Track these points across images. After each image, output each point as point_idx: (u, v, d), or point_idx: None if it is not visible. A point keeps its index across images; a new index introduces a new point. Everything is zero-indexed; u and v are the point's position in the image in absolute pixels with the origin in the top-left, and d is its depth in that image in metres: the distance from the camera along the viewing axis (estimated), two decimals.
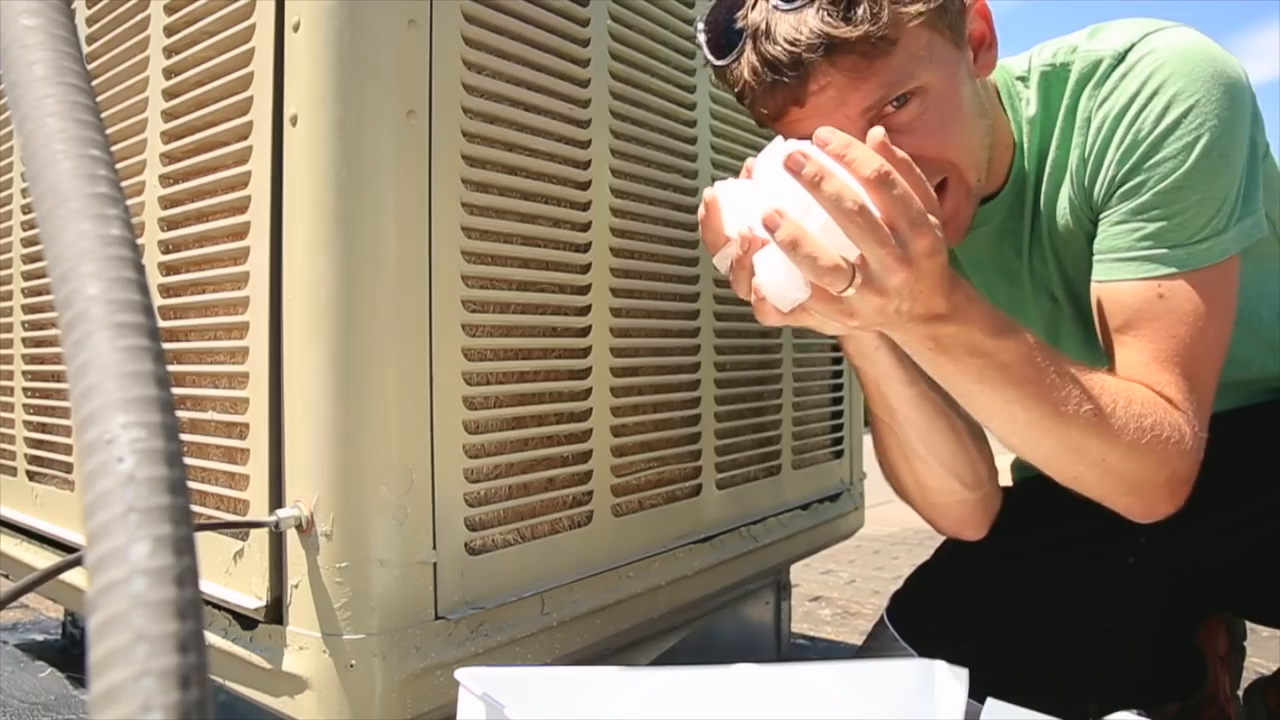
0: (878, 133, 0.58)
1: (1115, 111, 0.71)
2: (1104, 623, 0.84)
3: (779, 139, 0.63)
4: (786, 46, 0.62)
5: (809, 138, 0.59)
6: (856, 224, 0.56)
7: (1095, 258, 0.72)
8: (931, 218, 0.58)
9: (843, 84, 0.64)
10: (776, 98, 0.66)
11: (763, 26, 0.63)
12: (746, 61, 0.65)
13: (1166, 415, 0.66)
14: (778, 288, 0.61)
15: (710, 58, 0.70)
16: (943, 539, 0.99)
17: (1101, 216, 0.72)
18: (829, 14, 0.61)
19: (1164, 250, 0.68)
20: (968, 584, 0.88)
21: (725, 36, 0.68)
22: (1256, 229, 0.69)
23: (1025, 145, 0.78)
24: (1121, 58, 0.71)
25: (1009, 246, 0.82)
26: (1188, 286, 0.68)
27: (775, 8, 0.63)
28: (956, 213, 0.72)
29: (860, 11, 0.61)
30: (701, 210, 0.65)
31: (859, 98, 0.64)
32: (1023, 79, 0.78)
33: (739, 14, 0.66)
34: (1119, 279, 0.70)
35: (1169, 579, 0.84)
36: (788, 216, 0.57)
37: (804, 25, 0.61)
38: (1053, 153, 0.76)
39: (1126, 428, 0.65)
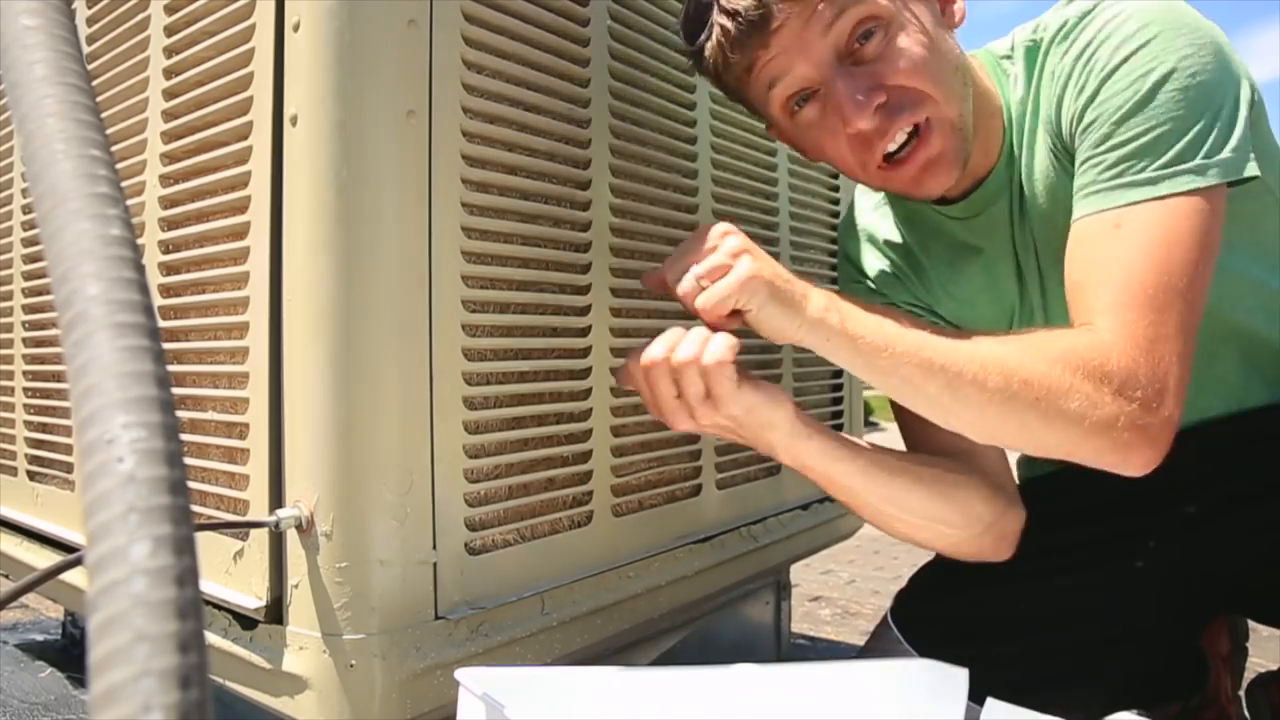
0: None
1: (1074, 55, 0.71)
2: (1110, 627, 0.83)
3: None
4: None
5: (776, 83, 0.71)
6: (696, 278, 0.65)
7: (1072, 202, 0.71)
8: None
9: (801, 14, 0.67)
10: (745, 47, 0.69)
11: None
12: (715, 25, 0.70)
13: (1078, 343, 0.64)
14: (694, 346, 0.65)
15: (686, 44, 0.75)
16: None
17: (1074, 166, 0.71)
18: None
19: (1125, 180, 0.66)
20: (972, 586, 0.88)
21: (695, 20, 0.73)
22: (1234, 168, 0.65)
23: (1014, 120, 0.77)
24: (1086, 14, 0.71)
25: (1009, 225, 0.81)
26: (1148, 215, 0.65)
27: None
28: (944, 147, 0.72)
29: None
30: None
31: (816, 21, 0.67)
32: (1007, 57, 0.78)
33: None
34: (1081, 215, 0.68)
35: (1178, 583, 0.84)
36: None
37: None
38: (1028, 119, 0.76)
39: (1032, 371, 0.63)
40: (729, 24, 0.69)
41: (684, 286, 0.66)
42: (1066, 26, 0.73)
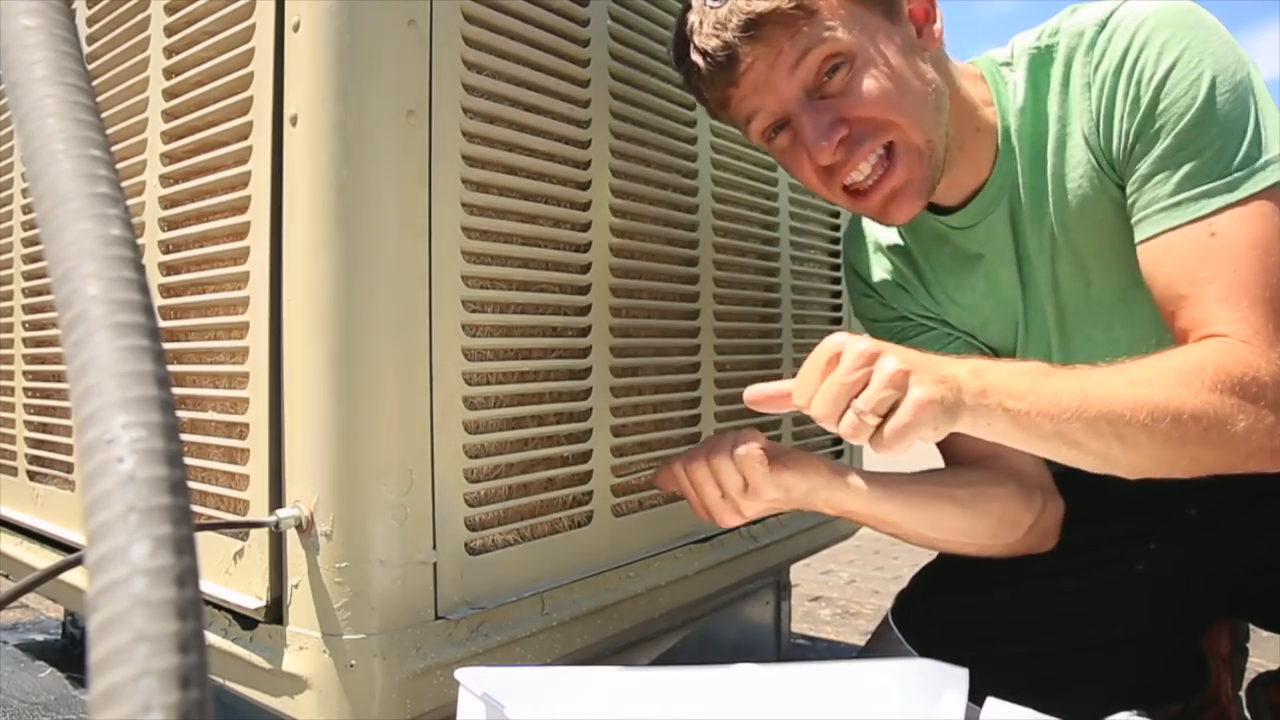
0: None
1: (1113, 68, 0.70)
2: (1112, 629, 0.83)
3: None
4: (713, 32, 0.69)
5: (752, 117, 0.73)
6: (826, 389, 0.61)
7: (1134, 220, 0.70)
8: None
9: (766, 56, 0.69)
10: (716, 85, 0.73)
11: (696, 24, 0.71)
12: (690, 60, 0.73)
13: (1224, 360, 0.62)
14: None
15: (677, 71, 0.78)
16: None
17: (1129, 179, 0.71)
18: None
19: (1205, 187, 0.66)
20: (973, 587, 0.88)
21: (678, 49, 0.76)
22: None
23: (1015, 129, 0.77)
24: (1104, 24, 0.72)
25: (1009, 233, 0.81)
26: (1240, 218, 0.65)
27: (707, 6, 0.70)
28: (910, 178, 0.72)
29: None
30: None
31: (781, 62, 0.69)
32: (1007, 64, 0.78)
33: (686, 23, 0.73)
34: (1165, 229, 0.68)
35: (1179, 585, 0.84)
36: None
37: (728, 12, 0.68)
38: (1054, 128, 0.75)
39: (1192, 388, 0.61)
40: (701, 62, 0.71)
41: (847, 423, 0.60)
42: (1088, 39, 0.72)
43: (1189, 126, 0.66)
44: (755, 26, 0.67)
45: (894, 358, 0.59)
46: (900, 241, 0.90)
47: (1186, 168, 0.67)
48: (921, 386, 0.58)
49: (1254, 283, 0.64)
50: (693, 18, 0.72)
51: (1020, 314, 0.84)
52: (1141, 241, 0.70)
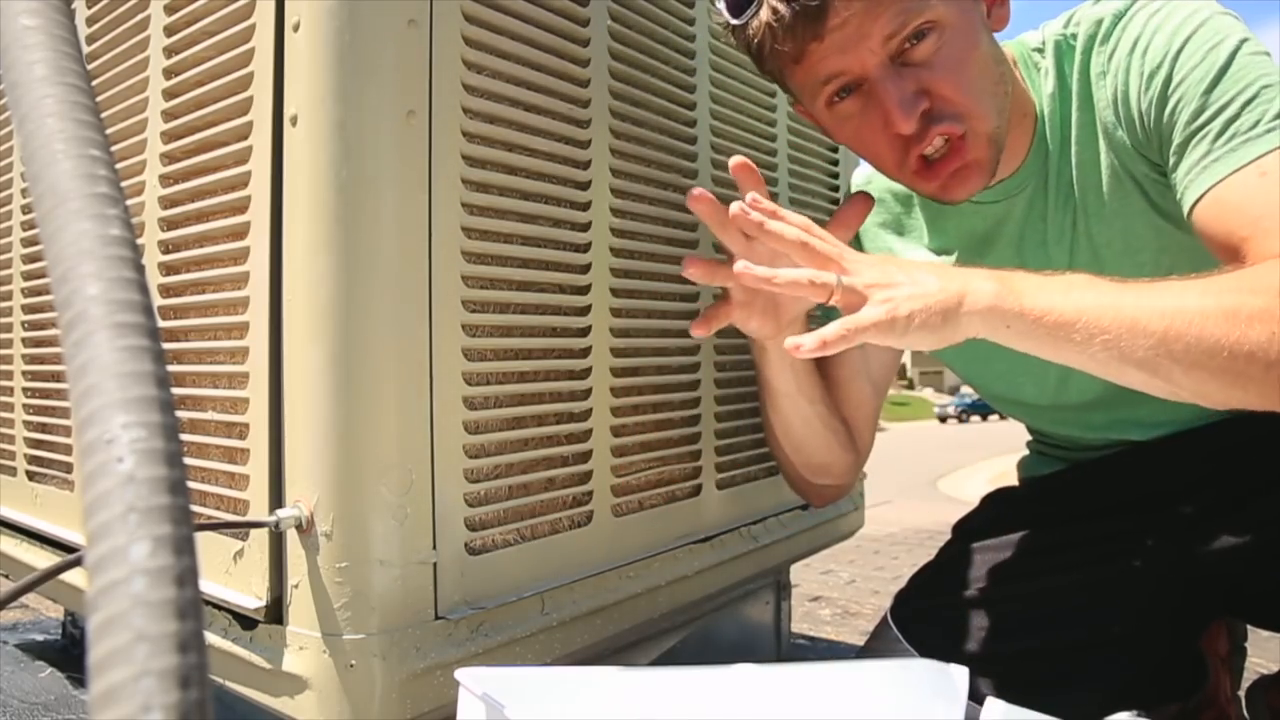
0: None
1: (1126, 50, 0.70)
2: (1110, 627, 0.83)
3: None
4: None
5: (830, 79, 0.70)
6: (803, 250, 0.65)
7: (1179, 194, 0.68)
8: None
9: (861, 14, 0.65)
10: (797, 35, 0.67)
11: None
12: (767, 5, 0.67)
13: None
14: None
15: (729, 17, 0.72)
16: (946, 539, 0.99)
17: (1166, 157, 0.69)
18: None
19: (1244, 137, 0.64)
20: (972, 585, 0.88)
21: None
22: None
23: (1047, 116, 0.77)
24: (1121, 15, 0.71)
25: (1038, 219, 0.81)
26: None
27: None
28: (979, 157, 0.72)
29: None
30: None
31: (878, 28, 0.66)
32: (1039, 50, 0.78)
33: None
34: (1211, 185, 0.65)
35: (1176, 584, 0.84)
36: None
37: None
38: (1076, 117, 0.75)
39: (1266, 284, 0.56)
40: (783, 8, 0.66)
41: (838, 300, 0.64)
42: (1103, 27, 0.72)
43: (1210, 85, 0.65)
44: None
45: (891, 268, 0.63)
46: (910, 199, 0.91)
47: (1218, 123, 0.65)
48: (878, 310, 0.60)
49: None
50: None
51: None
52: (1191, 209, 0.67)
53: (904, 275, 0.63)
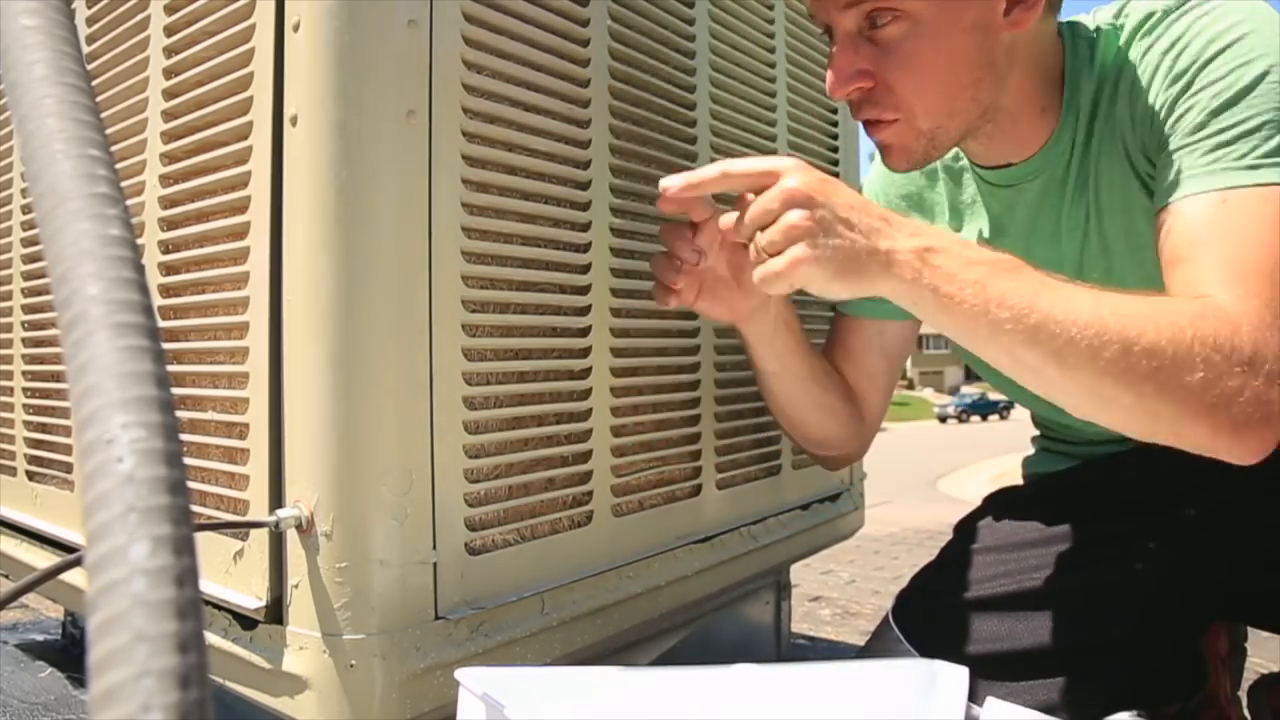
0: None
1: (1163, 48, 0.69)
2: (1110, 628, 0.83)
3: None
4: None
5: (814, 15, 0.73)
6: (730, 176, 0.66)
7: (1155, 193, 0.68)
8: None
9: None
10: None
11: None
12: None
13: (1207, 310, 0.59)
14: None
15: None
16: (946, 539, 0.99)
17: (1157, 158, 0.69)
18: None
19: (1228, 165, 0.63)
20: (972, 586, 0.88)
21: None
22: None
23: (1081, 108, 0.76)
24: (1171, 9, 0.70)
25: (1052, 211, 0.80)
26: (1252, 198, 0.62)
27: None
28: (900, 144, 0.73)
29: None
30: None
31: (837, 2, 0.68)
32: (1087, 39, 0.76)
33: None
34: (1180, 196, 0.65)
35: (1177, 586, 0.84)
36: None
37: None
38: (1104, 109, 0.74)
39: (1142, 330, 0.57)
40: None
41: (751, 255, 0.65)
42: (1152, 21, 0.71)
43: (1222, 105, 0.64)
44: None
45: (800, 212, 0.61)
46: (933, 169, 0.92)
47: (1210, 143, 0.65)
48: (811, 247, 0.60)
49: (1255, 255, 0.60)
50: None
51: None
52: (1158, 211, 0.67)
53: (831, 218, 0.62)
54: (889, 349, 0.96)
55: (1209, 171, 0.64)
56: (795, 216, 0.61)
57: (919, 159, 0.74)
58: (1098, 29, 0.76)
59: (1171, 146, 0.67)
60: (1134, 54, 0.72)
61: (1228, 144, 0.64)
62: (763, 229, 0.63)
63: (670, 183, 0.67)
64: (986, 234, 0.86)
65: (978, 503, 1.02)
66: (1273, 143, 0.63)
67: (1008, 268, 0.62)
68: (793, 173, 0.63)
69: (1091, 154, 0.76)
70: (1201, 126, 0.66)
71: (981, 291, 0.59)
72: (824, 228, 0.61)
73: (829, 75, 0.71)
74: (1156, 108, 0.69)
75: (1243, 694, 1.02)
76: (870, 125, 0.74)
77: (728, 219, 0.70)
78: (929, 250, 0.62)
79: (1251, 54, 0.65)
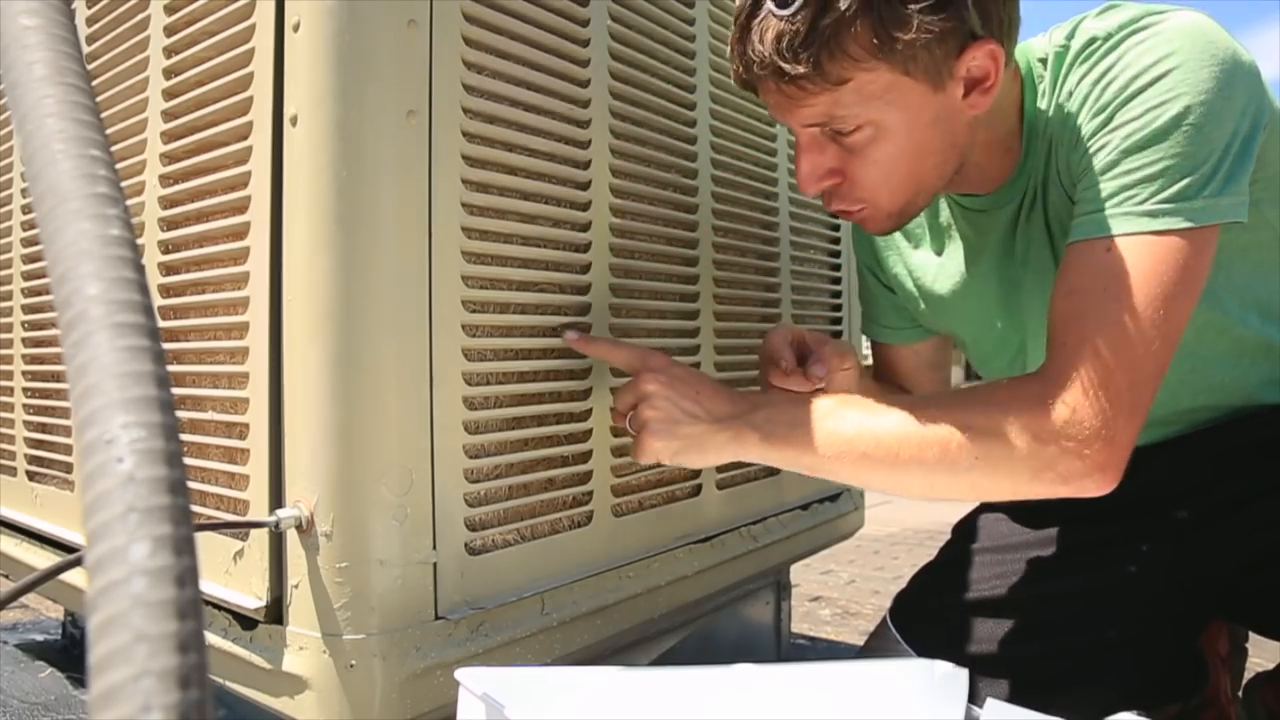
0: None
1: (1094, 79, 0.69)
2: (1108, 629, 0.83)
3: None
4: (750, 54, 0.66)
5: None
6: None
7: (1070, 226, 0.70)
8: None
9: (784, 102, 0.69)
10: (751, 86, 0.72)
11: (745, 21, 0.67)
12: (736, 59, 0.71)
13: (1019, 392, 0.65)
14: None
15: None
16: (946, 539, 0.99)
17: (1074, 190, 0.70)
18: (782, 43, 0.64)
19: (1120, 210, 0.65)
20: (972, 587, 0.88)
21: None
22: (1234, 211, 0.64)
23: (1039, 133, 0.76)
24: (1111, 35, 0.69)
25: (1020, 237, 0.81)
26: (1144, 245, 0.63)
27: (768, 11, 0.64)
28: (873, 219, 0.76)
29: (808, 54, 0.63)
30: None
31: (799, 116, 0.69)
32: (1043, 60, 0.76)
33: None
34: (1076, 239, 0.67)
35: (1173, 587, 0.84)
36: None
37: (765, 41, 0.65)
38: (1054, 134, 0.75)
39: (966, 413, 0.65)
40: (740, 67, 0.70)
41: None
42: (1091, 48, 0.71)
43: (1133, 146, 0.65)
44: (780, 77, 0.65)
45: (648, 406, 0.71)
46: None
47: (1114, 184, 0.65)
48: (652, 435, 0.71)
49: (1117, 312, 0.63)
50: (749, 5, 0.66)
51: (998, 320, 0.85)
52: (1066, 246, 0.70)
53: (688, 422, 0.71)
54: (932, 359, 1.01)
55: (1109, 215, 0.65)
56: (644, 410, 0.72)
57: (893, 228, 0.78)
58: (1047, 54, 0.76)
59: (1083, 183, 0.68)
60: (1071, 81, 0.72)
61: (1128, 186, 0.65)
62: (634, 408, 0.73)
63: (570, 335, 0.75)
64: (963, 256, 0.87)
65: (978, 503, 1.02)
66: (1175, 188, 0.63)
67: (831, 410, 0.69)
68: (647, 377, 0.72)
69: (1051, 179, 0.76)
70: (1112, 165, 0.66)
71: (807, 437, 0.69)
72: (669, 418, 0.71)
73: (798, 172, 0.73)
74: (1081, 137, 0.70)
75: (1241, 694, 1.02)
76: (841, 213, 0.77)
77: None
78: (757, 418, 0.71)
79: (1171, 93, 0.64)
